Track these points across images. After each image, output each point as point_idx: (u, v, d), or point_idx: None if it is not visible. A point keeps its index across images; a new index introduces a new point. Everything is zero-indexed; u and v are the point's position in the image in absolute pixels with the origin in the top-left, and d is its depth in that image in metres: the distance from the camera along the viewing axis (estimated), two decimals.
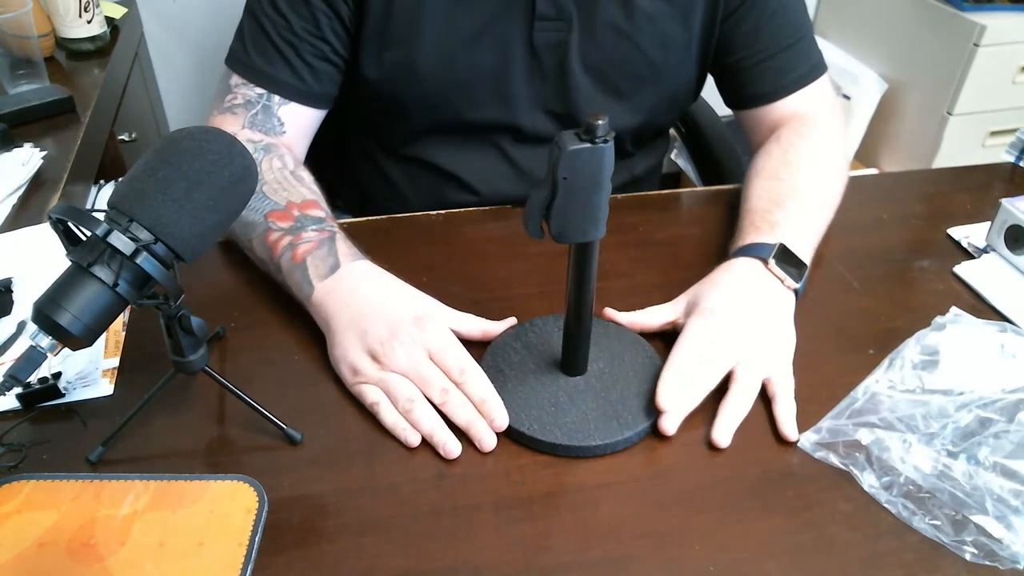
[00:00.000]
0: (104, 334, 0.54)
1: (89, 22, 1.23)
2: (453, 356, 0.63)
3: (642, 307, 0.71)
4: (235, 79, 0.83)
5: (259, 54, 0.82)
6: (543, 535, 0.54)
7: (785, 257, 0.71)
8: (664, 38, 0.85)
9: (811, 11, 2.11)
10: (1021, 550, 0.53)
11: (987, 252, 0.81)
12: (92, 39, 1.25)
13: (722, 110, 1.03)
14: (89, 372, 0.66)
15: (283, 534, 0.54)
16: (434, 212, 0.88)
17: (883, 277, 0.79)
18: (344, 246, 0.71)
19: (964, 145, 1.84)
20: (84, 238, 0.50)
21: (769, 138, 0.87)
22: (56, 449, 0.60)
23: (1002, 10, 1.73)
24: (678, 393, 0.62)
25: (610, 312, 0.71)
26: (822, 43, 0.90)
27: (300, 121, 0.85)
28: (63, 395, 0.64)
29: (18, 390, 0.62)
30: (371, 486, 0.57)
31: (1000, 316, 0.73)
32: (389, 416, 0.61)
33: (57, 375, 0.64)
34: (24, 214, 0.85)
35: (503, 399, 0.61)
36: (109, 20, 1.32)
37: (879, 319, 0.73)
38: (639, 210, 0.89)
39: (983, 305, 0.75)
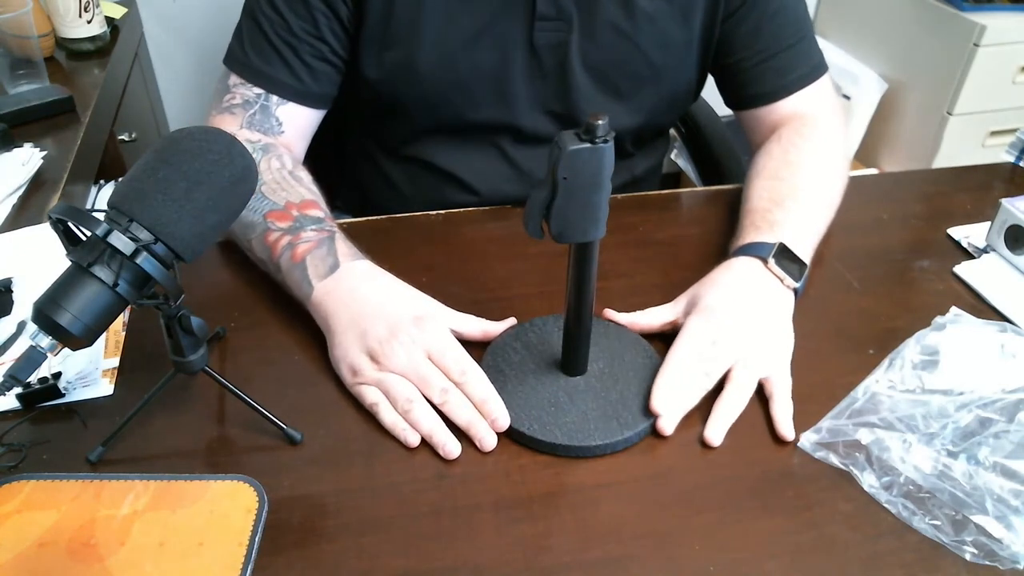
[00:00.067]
0: (104, 334, 0.54)
1: (89, 22, 1.23)
2: (453, 356, 0.63)
3: (642, 307, 0.71)
4: (233, 79, 0.83)
5: (257, 54, 0.82)
6: (543, 535, 0.54)
7: (785, 256, 0.71)
8: (664, 38, 0.85)
9: (811, 11, 2.11)
10: (1021, 550, 0.53)
11: (987, 252, 0.81)
12: (92, 39, 1.25)
13: (722, 110, 1.03)
14: (89, 372, 0.66)
15: (283, 534, 0.54)
16: (434, 212, 0.88)
17: (883, 277, 0.79)
18: (344, 246, 0.71)
19: (964, 145, 1.84)
20: (84, 238, 0.50)
21: (770, 138, 0.87)
22: (56, 449, 0.60)
23: (1002, 10, 1.73)
24: (673, 394, 0.62)
25: (610, 313, 0.71)
26: (822, 43, 0.90)
27: (299, 121, 0.85)
28: (63, 395, 0.64)
29: (18, 390, 0.62)
30: (371, 486, 0.57)
31: (1000, 316, 0.73)
32: (388, 416, 0.61)
33: (57, 375, 0.64)
34: (24, 214, 0.85)
35: (503, 399, 0.61)
36: (109, 20, 1.32)
37: (879, 319, 0.73)
38: (639, 210, 0.89)
39: (983, 305, 0.75)
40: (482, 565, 0.52)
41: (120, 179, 0.57)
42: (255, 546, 0.52)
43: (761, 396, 0.64)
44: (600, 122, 0.51)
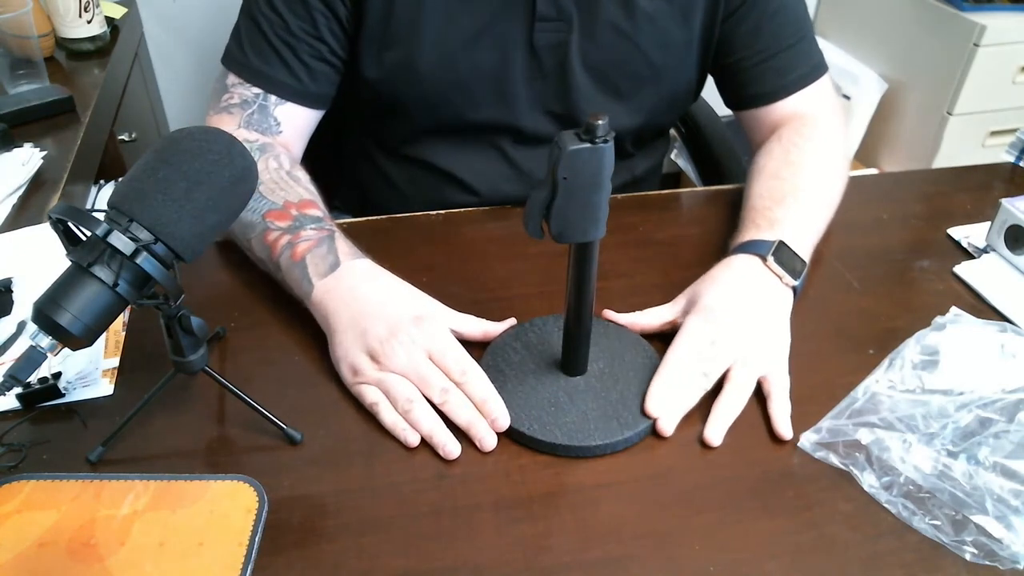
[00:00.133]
0: (104, 334, 0.54)
1: (89, 22, 1.23)
2: (453, 356, 0.63)
3: (642, 307, 0.71)
4: (231, 78, 0.83)
5: (256, 54, 0.82)
6: (543, 535, 0.54)
7: (784, 254, 0.71)
8: (664, 38, 0.85)
9: (811, 11, 2.11)
10: (1021, 550, 0.53)
11: (987, 252, 0.81)
12: (92, 39, 1.25)
13: (722, 110, 1.03)
14: (89, 372, 0.66)
15: (283, 534, 0.54)
16: (434, 212, 0.88)
17: (883, 277, 0.79)
18: (344, 244, 0.71)
19: (964, 145, 1.84)
20: (84, 238, 0.50)
21: (770, 138, 0.87)
22: (56, 449, 0.60)
23: (1002, 10, 1.73)
24: (670, 395, 0.62)
25: (609, 313, 0.71)
26: (822, 43, 0.90)
27: (297, 121, 0.85)
28: (63, 395, 0.64)
29: (18, 390, 0.62)
30: (371, 486, 0.57)
31: (1000, 316, 0.73)
32: (388, 416, 0.61)
33: (57, 375, 0.64)
34: (24, 214, 0.85)
35: (503, 399, 0.61)
36: (109, 20, 1.32)
37: (879, 319, 0.73)
38: (639, 210, 0.89)
39: (983, 305, 0.75)
40: (482, 565, 0.52)
41: (120, 179, 0.57)
42: (255, 546, 0.52)
43: (761, 396, 0.64)
44: (600, 122, 0.51)
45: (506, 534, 0.54)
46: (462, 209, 0.89)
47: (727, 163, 1.15)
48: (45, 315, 0.48)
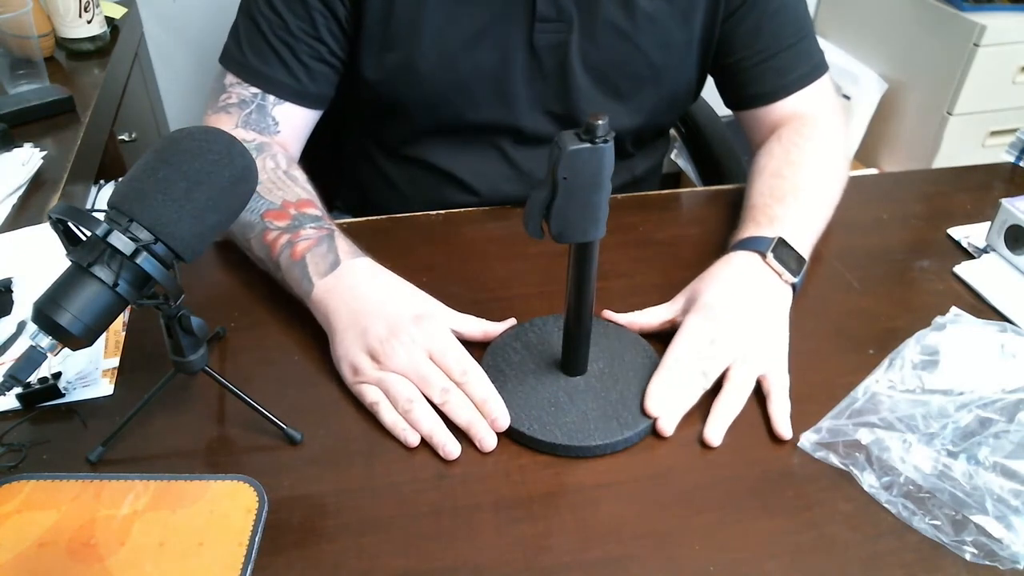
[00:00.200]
0: (104, 334, 0.54)
1: (89, 22, 1.23)
2: (454, 356, 0.63)
3: (642, 307, 0.71)
4: (230, 78, 0.83)
5: (255, 54, 0.82)
6: (543, 535, 0.54)
7: (784, 251, 0.71)
8: (665, 39, 0.85)
9: (811, 11, 2.11)
10: (1021, 550, 0.53)
11: (987, 252, 0.81)
12: (92, 39, 1.25)
13: (722, 110, 1.03)
14: (89, 372, 0.66)
15: (283, 534, 0.54)
16: (434, 212, 0.88)
17: (883, 277, 0.79)
18: (344, 243, 0.71)
19: (964, 145, 1.84)
20: (84, 238, 0.50)
21: (770, 138, 0.87)
22: (56, 449, 0.60)
23: (1002, 10, 1.73)
24: (670, 395, 0.62)
25: (608, 313, 0.71)
26: (822, 43, 0.90)
27: (295, 121, 0.85)
28: (63, 395, 0.64)
29: (18, 390, 0.62)
30: (371, 486, 0.57)
31: (1000, 316, 0.73)
32: (388, 416, 0.61)
33: (57, 375, 0.64)
34: (24, 214, 0.85)
35: (503, 399, 0.61)
36: (109, 20, 1.32)
37: (879, 319, 0.73)
38: (639, 210, 0.89)
39: (983, 305, 0.75)
40: (482, 565, 0.52)
41: (120, 179, 0.57)
42: (255, 546, 0.52)
43: (761, 396, 0.64)
44: (600, 122, 0.51)
45: (506, 534, 0.54)
46: (462, 209, 0.89)
47: (727, 163, 1.15)
48: (45, 315, 0.48)
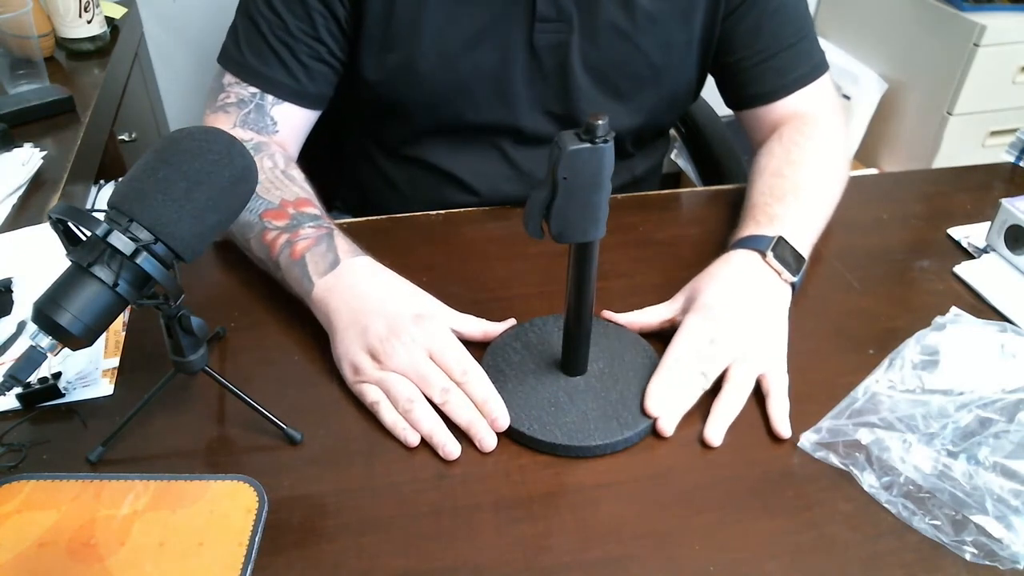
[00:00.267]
0: (104, 334, 0.54)
1: (89, 22, 1.23)
2: (454, 356, 0.63)
3: (642, 307, 0.71)
4: (228, 78, 0.83)
5: (254, 54, 0.82)
6: (543, 535, 0.54)
7: (783, 250, 0.71)
8: (665, 39, 0.85)
9: (811, 11, 2.11)
10: (1021, 550, 0.53)
11: (987, 252, 0.81)
12: (92, 39, 1.25)
13: (722, 110, 1.03)
14: (89, 372, 0.66)
15: (283, 534, 0.54)
16: (434, 212, 0.88)
17: (883, 277, 0.79)
18: (343, 242, 0.71)
19: (964, 145, 1.84)
20: (84, 238, 0.50)
21: (771, 137, 0.87)
22: (56, 449, 0.60)
23: (1002, 10, 1.73)
24: (670, 394, 0.62)
25: (608, 313, 0.71)
26: (822, 43, 0.90)
27: (294, 121, 0.85)
28: (63, 395, 0.64)
29: (18, 390, 0.62)
30: (371, 486, 0.57)
31: (1000, 316, 0.73)
32: (389, 416, 0.61)
33: (57, 375, 0.64)
34: (24, 214, 0.85)
35: (503, 399, 0.61)
36: (109, 20, 1.32)
37: (879, 319, 0.73)
38: (639, 210, 0.89)
39: (983, 305, 0.75)
40: (482, 565, 0.52)
41: (120, 179, 0.57)
42: (255, 546, 0.52)
43: (761, 396, 0.64)
44: (600, 122, 0.51)
45: (506, 534, 0.54)
46: (462, 209, 0.89)
47: (727, 163, 1.15)
48: (45, 315, 0.48)
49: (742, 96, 0.90)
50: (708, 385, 0.63)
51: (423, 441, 0.60)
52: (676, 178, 2.02)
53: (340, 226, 0.75)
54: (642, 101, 0.89)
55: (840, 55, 2.03)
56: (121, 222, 0.49)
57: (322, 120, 0.89)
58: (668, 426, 0.61)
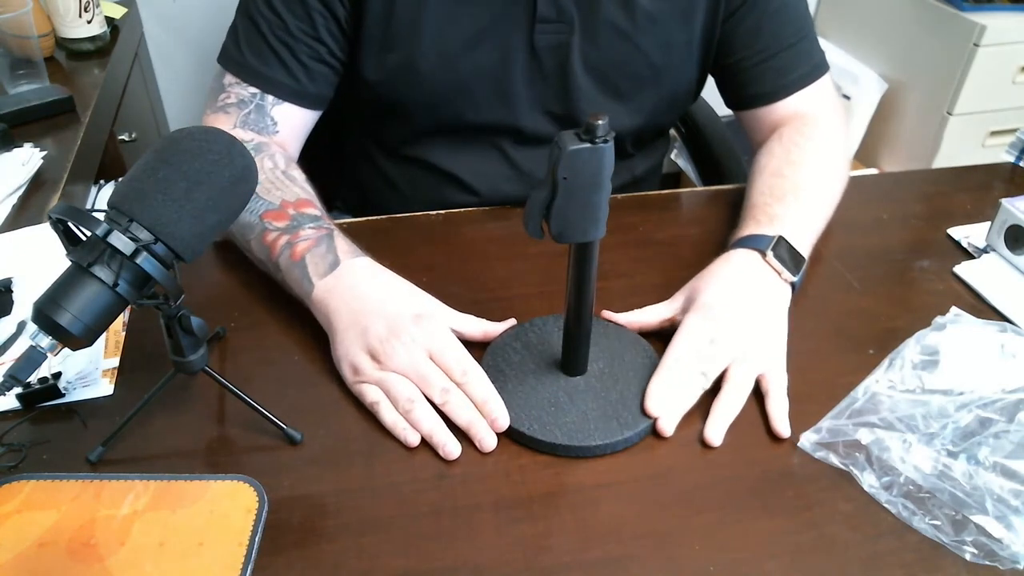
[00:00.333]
0: (104, 334, 0.54)
1: (89, 22, 1.23)
2: (454, 356, 0.63)
3: (642, 307, 0.71)
4: (228, 78, 0.83)
5: (254, 54, 0.82)
6: (543, 535, 0.54)
7: (783, 249, 0.71)
8: (665, 39, 0.85)
9: (811, 11, 2.11)
10: (1021, 550, 0.53)
11: (987, 252, 0.81)
12: (92, 39, 1.25)
13: (722, 110, 1.03)
14: (89, 372, 0.66)
15: (283, 534, 0.54)
16: (434, 212, 0.88)
17: (883, 277, 0.79)
18: (343, 243, 0.71)
19: (964, 145, 1.84)
20: (84, 238, 0.50)
21: (771, 137, 0.87)
22: (56, 449, 0.60)
23: (1002, 10, 1.73)
24: (670, 394, 0.62)
25: (608, 313, 0.71)
26: (822, 43, 0.90)
27: (294, 121, 0.85)
28: (63, 395, 0.64)
29: (18, 390, 0.62)
30: (371, 486, 0.57)
31: (1000, 316, 0.73)
32: (389, 416, 0.61)
33: (57, 375, 0.64)
34: (24, 214, 0.85)
35: (503, 399, 0.61)
36: (109, 20, 1.32)
37: (879, 319, 0.73)
38: (639, 210, 0.89)
39: (983, 305, 0.75)
40: (482, 565, 0.52)
41: (120, 179, 0.57)
42: (255, 546, 0.52)
43: (761, 396, 0.64)
44: (600, 122, 0.51)
45: (506, 534, 0.54)
46: (462, 209, 0.89)
47: (727, 163, 1.15)
48: (45, 315, 0.48)
49: (742, 96, 0.90)
50: (708, 385, 0.63)
51: (423, 441, 0.60)
52: (676, 178, 2.02)
53: (340, 226, 0.75)
54: (642, 101, 0.89)
55: (840, 55, 2.03)
56: (121, 222, 0.49)
57: (322, 120, 0.89)
58: (668, 426, 0.61)
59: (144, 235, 0.49)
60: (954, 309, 0.73)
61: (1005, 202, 0.79)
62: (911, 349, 0.67)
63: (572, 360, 0.64)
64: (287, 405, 0.62)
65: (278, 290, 0.73)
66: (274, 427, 0.60)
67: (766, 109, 0.89)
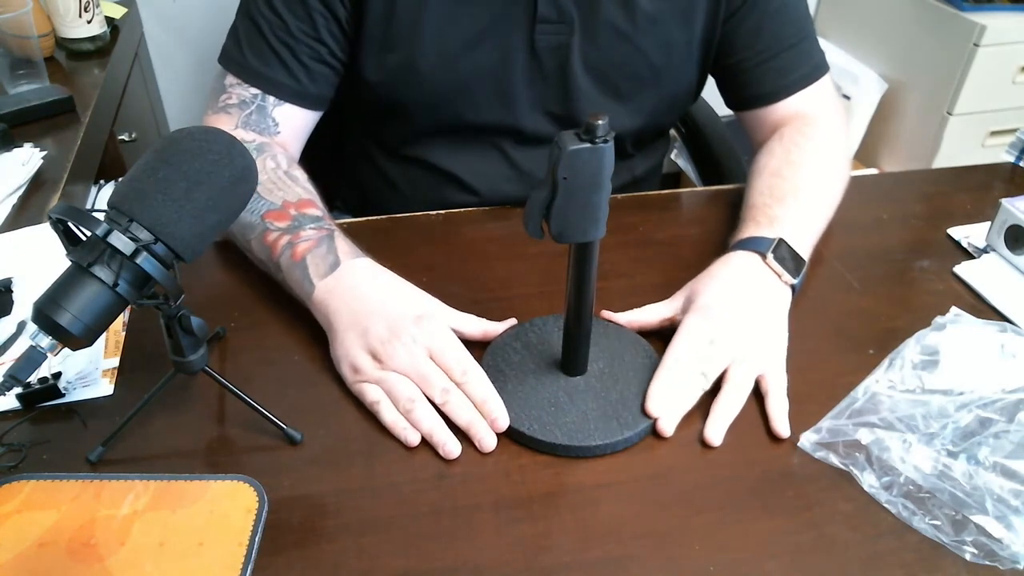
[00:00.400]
0: (104, 334, 0.54)
1: (89, 22, 1.23)
2: (454, 356, 0.63)
3: (642, 307, 0.71)
4: (230, 79, 0.83)
5: (255, 55, 0.82)
6: (543, 535, 0.54)
7: (783, 252, 0.71)
8: (665, 39, 0.85)
9: (811, 11, 2.11)
10: (1021, 550, 0.53)
11: (987, 252, 0.81)
12: (92, 39, 1.25)
13: (722, 110, 1.03)
14: (89, 372, 0.66)
15: (283, 534, 0.54)
16: (434, 212, 0.88)
17: (883, 277, 0.79)
18: (344, 244, 0.71)
19: (964, 145, 1.84)
20: (84, 238, 0.50)
21: (772, 137, 0.87)
22: (56, 449, 0.60)
23: (1002, 10, 1.73)
24: (670, 395, 0.62)
25: (607, 313, 0.71)
26: (822, 43, 0.90)
27: (295, 122, 0.85)
28: (63, 395, 0.64)
29: (18, 390, 0.62)
30: (371, 486, 0.57)
31: (1000, 316, 0.73)
32: (389, 415, 0.61)
33: (57, 375, 0.64)
34: (24, 214, 0.85)
35: (503, 399, 0.61)
36: (109, 20, 1.32)
37: (879, 319, 0.73)
38: (639, 210, 0.89)
39: (983, 305, 0.75)
40: (482, 565, 0.52)
41: (120, 179, 0.57)
42: (255, 546, 0.52)
43: (761, 396, 0.64)
44: (600, 122, 0.51)
45: (506, 534, 0.54)
46: (462, 209, 0.89)
47: (727, 163, 1.15)
48: (45, 315, 0.48)
49: (743, 97, 0.90)
50: (708, 385, 0.63)
51: (423, 441, 0.60)
52: (676, 178, 2.02)
53: (340, 226, 0.75)
54: (642, 102, 0.89)
55: (840, 55, 2.03)
56: (121, 222, 0.49)
57: (323, 120, 0.89)
58: (669, 426, 0.61)
59: (144, 235, 0.49)
60: (954, 309, 0.73)
61: (1005, 202, 0.79)
62: (911, 349, 0.67)
63: (572, 360, 0.64)
64: (287, 405, 0.62)
65: (278, 290, 0.73)
66: (274, 427, 0.60)
67: (767, 109, 0.89)
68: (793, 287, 0.71)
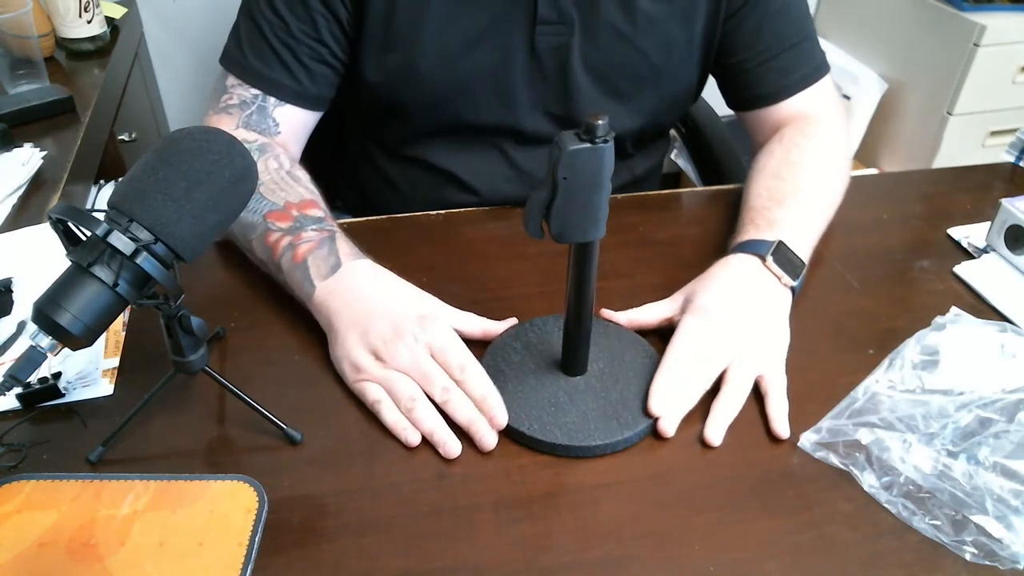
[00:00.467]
0: (104, 334, 0.54)
1: (89, 22, 1.23)
2: (454, 354, 0.63)
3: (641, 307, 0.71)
4: (231, 79, 0.83)
5: (256, 56, 0.82)
6: (543, 535, 0.54)
7: (783, 255, 0.71)
8: (666, 39, 0.85)
9: (811, 11, 2.10)
10: (1021, 550, 0.53)
11: (987, 252, 0.81)
12: (92, 39, 1.25)
13: (722, 110, 1.03)
14: (89, 372, 0.66)
15: (283, 534, 0.54)
16: (434, 212, 0.88)
17: (883, 277, 0.79)
18: (345, 245, 0.71)
19: (964, 145, 1.84)
20: (84, 238, 0.50)
21: (772, 138, 0.87)
22: (56, 449, 0.60)
23: (1002, 10, 1.73)
24: (671, 395, 0.62)
25: (607, 312, 0.71)
26: (822, 43, 0.90)
27: (296, 122, 0.85)
28: (63, 395, 0.64)
29: (18, 390, 0.62)
30: (371, 486, 0.57)
31: (1000, 316, 0.73)
32: (390, 415, 0.61)
33: (57, 375, 0.64)
34: (24, 214, 0.85)
35: (503, 399, 0.61)
36: (109, 20, 1.32)
37: (879, 319, 0.73)
38: (639, 210, 0.89)
39: (983, 305, 0.75)
40: (482, 565, 0.52)
41: (120, 179, 0.57)
42: (255, 546, 0.52)
43: (761, 396, 0.64)
44: (600, 122, 0.51)
45: (506, 534, 0.54)
46: (462, 209, 0.89)
47: (727, 163, 1.15)
48: (45, 315, 0.48)
49: (744, 97, 0.90)
50: (708, 386, 0.63)
51: (423, 441, 0.60)
52: (676, 178, 2.02)
53: (341, 226, 0.75)
54: (642, 102, 0.89)
55: (840, 55, 2.03)
56: (121, 222, 0.49)
57: (323, 121, 0.89)
58: (669, 426, 0.61)
59: (144, 235, 0.49)
60: (954, 309, 0.73)
61: (1005, 202, 0.79)
62: (911, 349, 0.67)
63: (572, 360, 0.64)
64: (287, 405, 0.62)
65: (278, 290, 0.73)
66: (274, 427, 0.60)
67: (768, 110, 0.89)
68: (793, 289, 0.71)
